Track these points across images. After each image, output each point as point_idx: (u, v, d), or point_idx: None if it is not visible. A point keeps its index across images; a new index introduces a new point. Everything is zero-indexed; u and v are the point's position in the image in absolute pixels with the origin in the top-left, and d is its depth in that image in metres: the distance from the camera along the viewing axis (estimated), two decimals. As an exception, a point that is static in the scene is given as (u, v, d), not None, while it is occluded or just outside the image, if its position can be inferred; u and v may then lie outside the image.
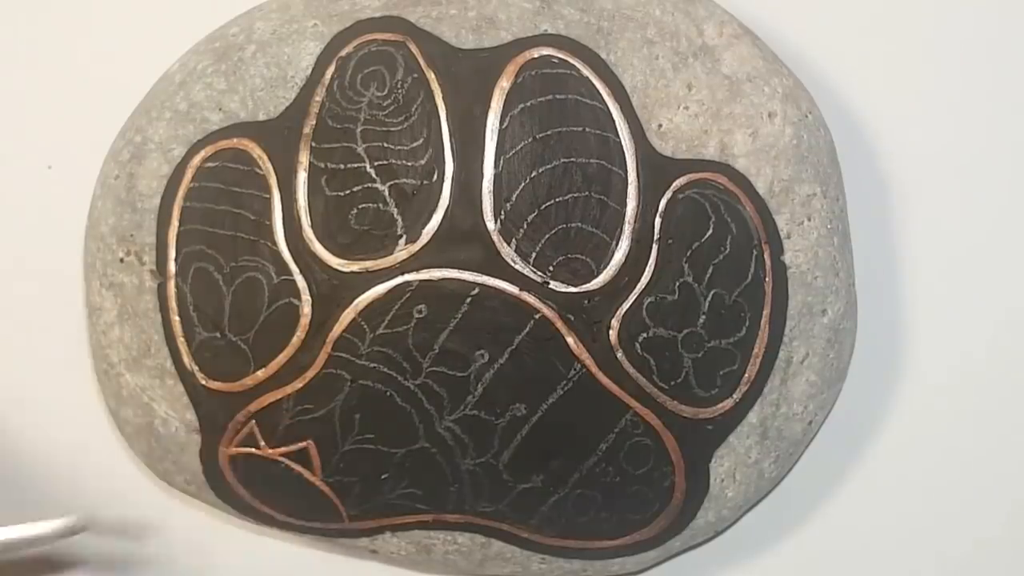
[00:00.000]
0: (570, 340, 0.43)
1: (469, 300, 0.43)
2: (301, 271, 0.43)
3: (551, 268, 0.43)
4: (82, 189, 0.47)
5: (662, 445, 0.44)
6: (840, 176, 0.46)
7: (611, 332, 0.43)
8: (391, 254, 0.43)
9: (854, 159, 0.48)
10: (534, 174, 0.43)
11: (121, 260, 0.45)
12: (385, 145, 0.43)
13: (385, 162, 0.43)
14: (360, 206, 0.43)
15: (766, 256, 0.44)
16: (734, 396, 0.44)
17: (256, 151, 0.44)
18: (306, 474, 0.44)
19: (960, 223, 0.49)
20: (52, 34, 0.50)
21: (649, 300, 0.43)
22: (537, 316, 0.43)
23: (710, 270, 0.43)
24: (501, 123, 0.43)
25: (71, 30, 0.50)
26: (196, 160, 0.44)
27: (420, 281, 0.43)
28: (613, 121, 0.43)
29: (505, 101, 0.43)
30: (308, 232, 0.43)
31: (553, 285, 0.43)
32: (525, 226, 0.43)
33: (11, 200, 0.50)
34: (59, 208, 0.49)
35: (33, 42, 0.50)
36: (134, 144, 0.45)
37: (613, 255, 0.43)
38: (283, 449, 0.44)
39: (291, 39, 0.45)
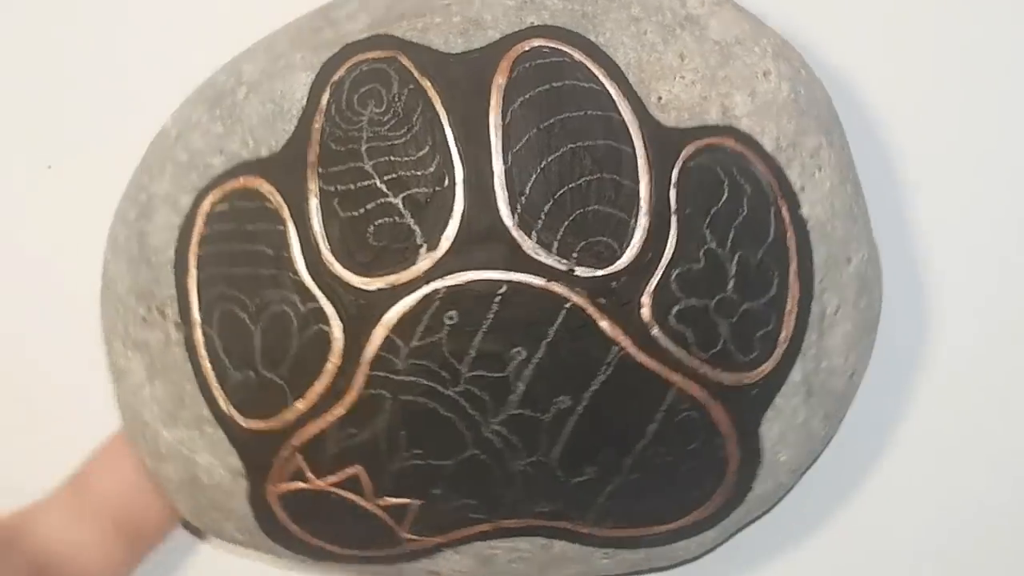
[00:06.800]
0: (604, 324, 0.43)
1: (498, 299, 0.43)
2: (327, 296, 0.43)
3: (574, 254, 0.43)
4: (82, 189, 0.46)
5: (709, 417, 0.44)
6: (841, 127, 0.46)
7: (643, 309, 0.43)
8: (414, 264, 0.43)
9: (858, 159, 0.47)
10: (544, 164, 0.43)
11: (144, 319, 0.45)
12: (392, 158, 0.43)
13: (394, 175, 0.43)
14: (376, 222, 0.43)
15: (784, 212, 0.44)
16: (774, 356, 0.44)
17: (264, 187, 0.44)
18: (359, 500, 0.44)
19: (973, 215, 0.50)
20: (52, 34, 0.50)
21: (676, 272, 0.43)
22: (568, 305, 0.43)
23: (731, 233, 0.43)
24: (503, 119, 0.43)
25: (71, 30, 0.50)
26: (205, 206, 0.44)
27: (447, 287, 0.43)
28: (613, 100, 0.43)
29: (504, 97, 0.43)
30: (328, 256, 0.43)
31: (579, 271, 0.43)
32: (543, 217, 0.43)
33: (11, 200, 0.49)
34: (59, 208, 0.48)
35: (33, 42, 0.50)
36: (140, 203, 0.45)
37: (634, 233, 0.43)
38: (332, 479, 0.44)
39: (281, 75, 0.45)
